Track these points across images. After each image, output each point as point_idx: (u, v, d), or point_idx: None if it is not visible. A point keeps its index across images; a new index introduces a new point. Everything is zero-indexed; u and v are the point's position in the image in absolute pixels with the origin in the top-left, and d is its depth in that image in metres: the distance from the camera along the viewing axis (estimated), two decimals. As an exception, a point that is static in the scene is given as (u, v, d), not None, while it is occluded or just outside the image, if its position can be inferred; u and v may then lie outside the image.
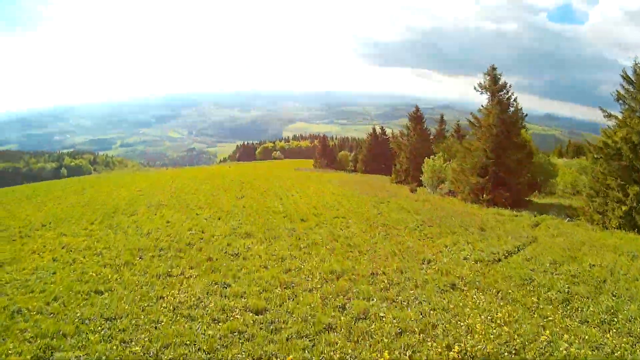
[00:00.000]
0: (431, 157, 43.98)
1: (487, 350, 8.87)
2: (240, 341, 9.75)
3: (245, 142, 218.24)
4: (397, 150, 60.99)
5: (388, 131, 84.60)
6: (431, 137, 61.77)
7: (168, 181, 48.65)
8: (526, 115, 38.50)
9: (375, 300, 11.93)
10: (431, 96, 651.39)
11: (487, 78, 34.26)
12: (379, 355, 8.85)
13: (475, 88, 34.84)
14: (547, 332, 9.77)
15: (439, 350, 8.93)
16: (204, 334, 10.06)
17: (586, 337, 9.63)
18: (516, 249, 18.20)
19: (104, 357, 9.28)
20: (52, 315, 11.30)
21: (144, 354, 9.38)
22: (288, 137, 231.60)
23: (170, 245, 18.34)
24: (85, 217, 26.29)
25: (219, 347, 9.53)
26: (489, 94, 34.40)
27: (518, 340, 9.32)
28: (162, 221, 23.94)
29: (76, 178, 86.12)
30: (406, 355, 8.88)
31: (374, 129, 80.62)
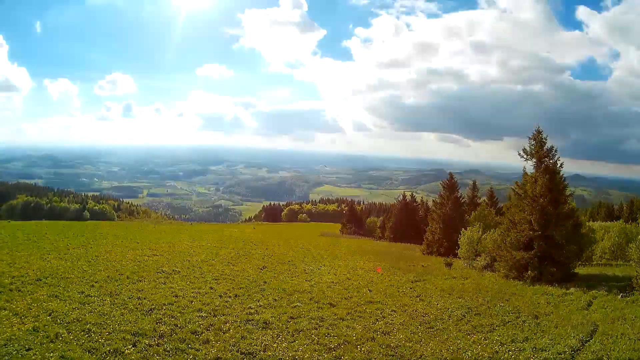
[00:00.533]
0: (468, 228, 40.96)
1: None
2: None
3: (272, 203, 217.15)
4: (429, 220, 58.37)
5: (417, 197, 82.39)
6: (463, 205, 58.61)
7: (187, 239, 46.77)
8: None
9: None
10: (459, 160, 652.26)
11: (532, 143, 31.50)
12: None
13: (520, 155, 31.81)
14: None
15: None
16: None
17: None
18: (580, 344, 15.88)
19: None
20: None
21: None
22: (315, 199, 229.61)
23: (173, 332, 15.58)
24: (86, 276, 23.58)
25: None
26: (534, 160, 31.63)
27: None
28: (170, 294, 20.89)
29: (96, 222, 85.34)
30: None
31: (404, 196, 78.33)
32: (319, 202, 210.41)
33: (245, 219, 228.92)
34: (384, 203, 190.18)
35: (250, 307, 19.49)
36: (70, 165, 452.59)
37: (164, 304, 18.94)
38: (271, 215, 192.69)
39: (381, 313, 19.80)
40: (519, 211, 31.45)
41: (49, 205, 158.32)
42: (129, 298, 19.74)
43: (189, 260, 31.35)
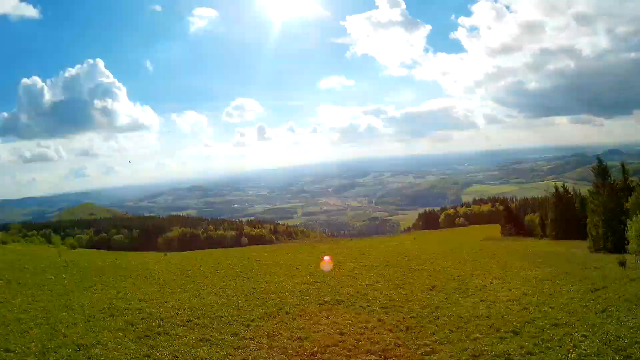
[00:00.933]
0: (633, 218, 37.80)
1: None
2: None
3: (427, 210, 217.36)
4: (588, 212, 57.23)
5: (568, 187, 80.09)
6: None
7: (349, 259, 47.96)
8: None
9: None
10: (596, 143, 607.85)
11: None
12: None
13: None
14: None
15: None
16: None
17: None
18: None
19: None
20: None
21: None
22: (468, 201, 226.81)
23: None
24: (242, 314, 22.36)
25: None
26: None
27: None
28: (334, 331, 19.15)
29: (253, 248, 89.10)
30: None
31: (557, 189, 77.07)
32: (473, 204, 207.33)
33: (404, 229, 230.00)
34: (536, 197, 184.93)
35: (425, 344, 17.48)
36: (219, 193, 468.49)
37: (328, 346, 17.36)
38: (428, 222, 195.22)
39: (571, 340, 17.26)
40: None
41: (205, 234, 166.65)
42: (289, 339, 18.28)
43: (352, 286, 30.30)
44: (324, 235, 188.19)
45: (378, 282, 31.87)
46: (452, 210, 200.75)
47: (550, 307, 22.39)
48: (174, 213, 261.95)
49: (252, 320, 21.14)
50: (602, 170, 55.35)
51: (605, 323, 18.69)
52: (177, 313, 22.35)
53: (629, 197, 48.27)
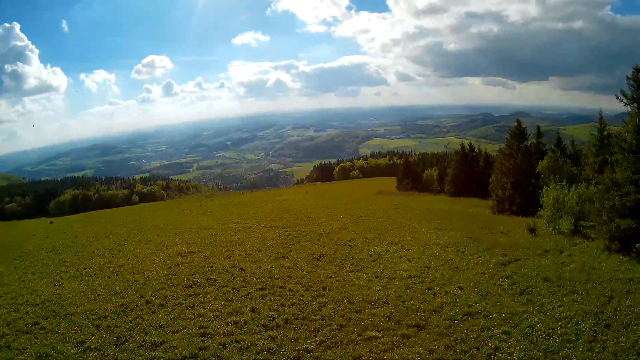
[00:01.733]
0: (550, 184, 33.72)
1: None
2: None
3: (322, 162, 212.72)
4: (496, 173, 52.08)
5: (467, 143, 75.76)
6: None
7: (234, 218, 43.22)
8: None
9: None
10: (505, 104, 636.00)
11: (633, 83, 24.75)
12: None
13: (618, 98, 25.47)
14: None
15: None
16: None
17: None
18: None
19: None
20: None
21: None
22: (366, 154, 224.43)
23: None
24: (93, 307, 18.75)
25: None
26: (635, 105, 24.76)
27: None
28: (197, 332, 15.54)
29: (142, 206, 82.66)
30: None
31: (463, 146, 71.77)
32: (370, 157, 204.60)
33: (297, 181, 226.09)
34: (436, 152, 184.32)
35: (306, 349, 13.91)
36: (118, 151, 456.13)
37: (185, 357, 13.83)
38: (323, 174, 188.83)
39: (490, 337, 14.18)
40: (623, 169, 25.13)
41: (96, 195, 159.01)
42: (140, 347, 14.76)
43: (229, 257, 26.50)
44: (216, 189, 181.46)
45: (260, 251, 27.80)
46: (348, 162, 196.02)
47: (459, 287, 19.42)
48: (71, 174, 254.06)
49: (104, 317, 17.66)
50: (520, 132, 49.50)
51: (527, 312, 16.33)
52: (26, 313, 18.98)
53: (540, 161, 46.15)
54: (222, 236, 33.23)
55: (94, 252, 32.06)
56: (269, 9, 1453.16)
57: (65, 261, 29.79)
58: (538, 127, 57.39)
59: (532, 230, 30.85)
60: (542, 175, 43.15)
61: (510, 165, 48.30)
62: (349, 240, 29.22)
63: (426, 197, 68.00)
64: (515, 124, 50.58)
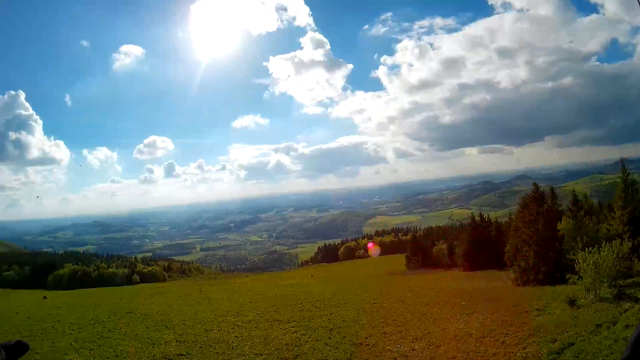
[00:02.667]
0: (590, 247, 28.99)
1: None
2: None
3: (326, 243, 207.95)
4: (514, 242, 47.50)
5: (470, 212, 71.74)
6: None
7: (234, 309, 37.98)
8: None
9: None
10: (504, 169, 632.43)
11: None
12: None
13: None
14: None
15: None
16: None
17: None
18: None
19: None
20: None
21: None
22: (370, 233, 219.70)
23: None
24: None
25: None
26: None
27: None
28: None
29: (139, 288, 77.61)
30: None
31: (472, 216, 67.60)
32: (375, 235, 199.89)
33: (302, 262, 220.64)
34: (442, 226, 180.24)
35: None
36: (120, 229, 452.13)
37: None
38: (328, 255, 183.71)
39: None
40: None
41: (96, 272, 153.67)
42: None
43: None
44: (219, 272, 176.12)
45: (260, 356, 22.60)
46: (353, 242, 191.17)
47: None
48: (72, 249, 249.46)
49: None
50: (539, 196, 46.02)
51: None
52: None
53: (558, 223, 41.47)
54: (219, 333, 28.35)
55: (71, 344, 27.76)
56: (266, 92, 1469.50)
57: (36, 352, 25.44)
58: (552, 188, 53.94)
59: (573, 303, 26.17)
60: (565, 238, 39.40)
61: (531, 232, 43.90)
62: (366, 338, 24.06)
63: (439, 275, 63.39)
64: (533, 189, 46.58)
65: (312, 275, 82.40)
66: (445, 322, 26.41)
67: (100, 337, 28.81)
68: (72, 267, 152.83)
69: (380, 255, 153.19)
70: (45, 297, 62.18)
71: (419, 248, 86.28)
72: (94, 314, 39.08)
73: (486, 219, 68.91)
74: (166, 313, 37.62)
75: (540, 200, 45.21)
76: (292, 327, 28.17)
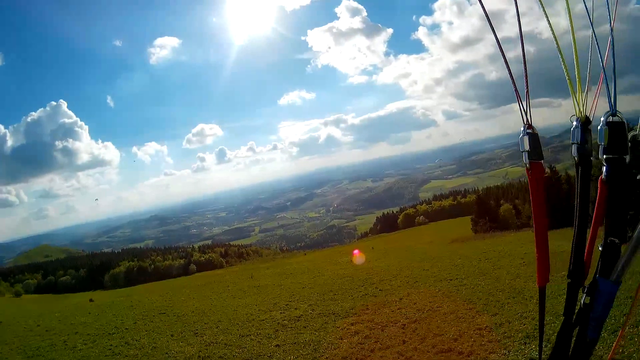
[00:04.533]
0: None
1: None
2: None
3: (384, 212, 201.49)
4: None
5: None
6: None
7: (283, 299, 31.34)
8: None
9: None
10: (553, 124, 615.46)
11: None
12: None
13: None
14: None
15: None
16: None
17: None
18: None
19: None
20: None
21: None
22: (428, 198, 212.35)
23: None
24: None
25: None
26: None
27: None
28: None
29: (185, 280, 73.20)
30: None
31: (548, 169, 60.19)
32: (433, 200, 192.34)
33: (361, 235, 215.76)
34: (500, 185, 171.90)
35: None
36: (177, 220, 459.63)
37: None
38: (387, 224, 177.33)
39: None
40: None
41: (152, 266, 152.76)
42: None
43: None
44: (277, 252, 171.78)
45: None
46: (411, 209, 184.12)
47: None
48: (131, 245, 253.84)
49: None
50: None
51: None
52: None
53: None
54: (256, 339, 21.54)
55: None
56: (308, 66, 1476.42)
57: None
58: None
59: None
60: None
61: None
62: (455, 340, 16.78)
63: (511, 237, 55.86)
64: None
65: (372, 248, 76.32)
66: (554, 300, 19.79)
67: (112, 353, 23.07)
68: (128, 264, 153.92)
69: (440, 220, 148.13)
70: (91, 300, 58.37)
71: (485, 209, 78.92)
72: (122, 318, 33.96)
73: (558, 173, 61.29)
74: (203, 311, 31.99)
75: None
76: (352, 324, 21.47)
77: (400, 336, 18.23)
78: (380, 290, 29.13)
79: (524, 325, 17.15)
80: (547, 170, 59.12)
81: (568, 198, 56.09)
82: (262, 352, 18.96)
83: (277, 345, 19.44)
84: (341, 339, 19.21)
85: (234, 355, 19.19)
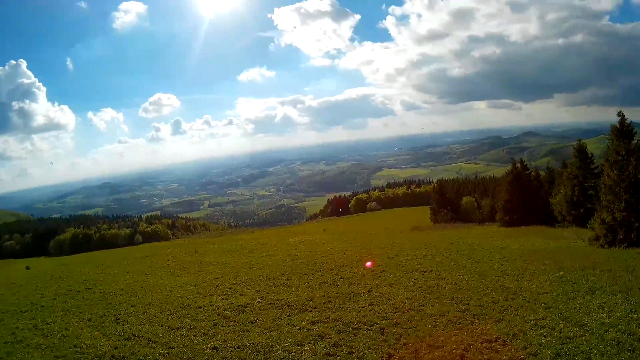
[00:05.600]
0: None
1: None
2: None
3: (336, 195, 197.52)
4: (605, 192, 35.97)
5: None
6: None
7: (229, 278, 27.89)
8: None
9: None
10: (512, 125, 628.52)
11: None
12: None
13: None
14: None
15: None
16: None
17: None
18: None
19: None
20: None
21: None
22: (381, 185, 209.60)
23: None
24: None
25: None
26: None
27: None
28: None
29: (124, 251, 68.03)
30: None
31: (514, 163, 56.29)
32: (387, 187, 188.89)
33: (311, 216, 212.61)
34: (456, 178, 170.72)
35: None
36: (129, 190, 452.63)
37: None
38: (338, 208, 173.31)
39: None
40: None
41: (97, 234, 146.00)
42: None
43: None
44: (225, 228, 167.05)
45: None
46: (364, 194, 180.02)
47: None
48: (81, 212, 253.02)
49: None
50: (626, 130, 33.33)
51: None
52: None
53: None
54: (188, 337, 16.42)
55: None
56: (272, 44, 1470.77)
57: None
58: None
59: None
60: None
61: (620, 176, 32.49)
62: (461, 354, 12.55)
63: (476, 230, 52.46)
64: (618, 119, 34.68)
65: (324, 230, 72.18)
66: (564, 305, 16.23)
67: (13, 339, 18.21)
68: (74, 231, 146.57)
69: (393, 208, 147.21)
70: (28, 267, 54.86)
71: (446, 200, 75.23)
72: (43, 292, 29.00)
73: (528, 169, 57.84)
74: (134, 290, 26.98)
75: (627, 134, 33.65)
76: (312, 322, 16.53)
77: (382, 345, 13.60)
78: (341, 278, 24.67)
79: (546, 337, 13.06)
80: (518, 165, 55.68)
81: (537, 194, 54.30)
82: (194, 357, 14.19)
83: (214, 349, 14.46)
84: (301, 345, 14.36)
85: (156, 359, 14.36)
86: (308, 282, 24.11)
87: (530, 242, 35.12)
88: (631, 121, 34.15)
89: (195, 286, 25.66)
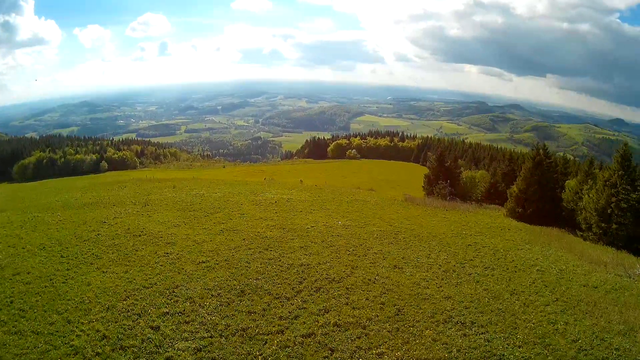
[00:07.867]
0: None
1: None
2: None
3: (315, 136, 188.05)
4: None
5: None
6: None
7: (183, 232, 25.71)
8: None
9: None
10: (500, 95, 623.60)
11: None
12: None
13: None
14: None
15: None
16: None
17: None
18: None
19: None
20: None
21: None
22: (361, 131, 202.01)
23: None
24: None
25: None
26: None
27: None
28: None
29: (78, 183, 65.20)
30: None
31: (537, 149, 46.49)
32: (369, 136, 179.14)
33: (286, 153, 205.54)
34: (453, 140, 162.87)
35: None
36: (107, 109, 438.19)
37: None
38: (315, 150, 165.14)
39: None
40: None
41: (62, 159, 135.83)
42: None
43: None
44: (197, 157, 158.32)
45: None
46: (344, 140, 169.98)
47: None
48: (56, 131, 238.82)
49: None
50: None
51: None
52: None
53: None
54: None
55: None
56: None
57: None
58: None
59: None
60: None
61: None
62: None
63: (482, 217, 42.84)
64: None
65: (301, 181, 63.89)
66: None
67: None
68: (39, 155, 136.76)
69: (374, 159, 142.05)
70: None
71: (445, 170, 63.83)
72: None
73: (549, 155, 48.48)
74: (62, 242, 23.09)
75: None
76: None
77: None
78: (332, 287, 15.97)
79: None
80: (541, 151, 46.10)
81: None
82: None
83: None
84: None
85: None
86: (282, 328, 15.16)
87: (563, 260, 27.01)
88: (618, 118, 27.97)
89: (108, 309, 16.55)
